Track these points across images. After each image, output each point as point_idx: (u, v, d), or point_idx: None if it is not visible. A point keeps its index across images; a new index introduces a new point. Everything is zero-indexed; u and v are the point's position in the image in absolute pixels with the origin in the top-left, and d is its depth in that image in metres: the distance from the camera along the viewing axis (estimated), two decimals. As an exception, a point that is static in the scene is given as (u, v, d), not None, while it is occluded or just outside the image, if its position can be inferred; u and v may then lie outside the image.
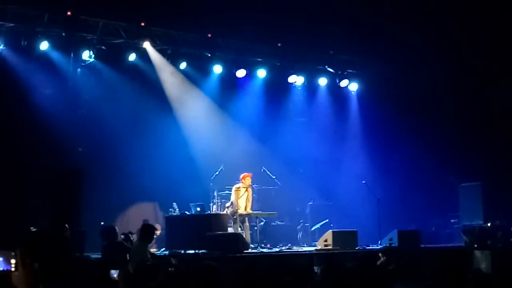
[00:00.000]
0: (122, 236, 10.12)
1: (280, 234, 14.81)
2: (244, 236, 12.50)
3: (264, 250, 13.03)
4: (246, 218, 13.14)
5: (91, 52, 13.95)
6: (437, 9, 15.00)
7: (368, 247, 12.97)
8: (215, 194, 13.79)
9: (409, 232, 13.52)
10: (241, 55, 15.75)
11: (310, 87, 17.15)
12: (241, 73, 15.64)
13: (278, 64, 16.18)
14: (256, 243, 13.16)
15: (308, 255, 12.06)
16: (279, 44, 15.98)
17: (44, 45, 13.31)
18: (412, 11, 14.97)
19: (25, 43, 13.27)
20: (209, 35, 15.06)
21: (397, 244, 12.72)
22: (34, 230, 10.20)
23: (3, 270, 8.16)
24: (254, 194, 13.68)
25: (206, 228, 12.22)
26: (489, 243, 12.49)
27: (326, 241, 12.65)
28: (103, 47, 14.17)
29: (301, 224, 15.34)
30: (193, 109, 15.50)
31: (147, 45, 14.42)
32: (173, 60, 15.00)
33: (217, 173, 13.92)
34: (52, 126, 12.94)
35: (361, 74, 17.29)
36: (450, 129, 16.13)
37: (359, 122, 17.43)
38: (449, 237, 15.25)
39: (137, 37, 14.36)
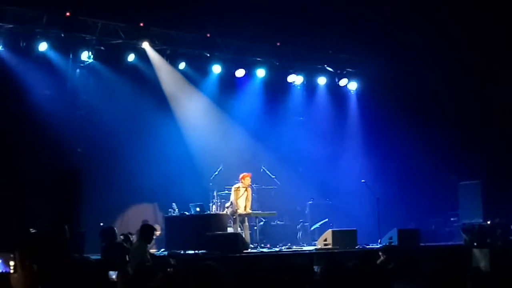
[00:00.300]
0: (122, 237, 10.11)
1: (280, 234, 14.81)
2: (243, 236, 12.50)
3: (264, 249, 13.04)
4: (246, 218, 13.13)
5: (90, 53, 13.95)
6: (436, 9, 15.00)
7: (367, 246, 12.98)
8: (215, 194, 13.79)
9: (408, 230, 13.53)
10: (240, 55, 15.75)
11: (309, 87, 17.15)
12: (240, 72, 15.63)
13: (277, 63, 16.18)
14: (255, 243, 13.16)
15: (308, 254, 12.06)
16: (278, 44, 15.98)
17: (43, 46, 13.31)
18: (412, 11, 14.97)
19: (24, 44, 13.27)
20: (208, 35, 15.06)
21: (396, 242, 12.72)
22: (33, 232, 10.18)
23: (2, 272, 8.16)
24: (253, 194, 13.68)
25: (205, 228, 12.23)
26: (488, 241, 12.50)
27: (325, 240, 12.65)
28: (102, 48, 14.17)
29: (301, 223, 15.33)
30: (192, 109, 15.49)
31: (146, 45, 14.42)
32: (172, 60, 15.00)
33: (216, 173, 13.93)
34: (51, 127, 12.94)
35: (360, 73, 17.29)
36: (450, 127, 16.14)
37: (359, 121, 17.44)
38: (449, 235, 15.27)
39: (136, 38, 14.35)
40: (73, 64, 13.95)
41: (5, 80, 12.94)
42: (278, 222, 15.01)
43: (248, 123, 15.90)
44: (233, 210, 13.00)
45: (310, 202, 15.73)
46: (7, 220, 11.18)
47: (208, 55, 15.26)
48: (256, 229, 13.51)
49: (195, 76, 15.54)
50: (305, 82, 16.94)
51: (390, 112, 16.33)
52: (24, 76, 13.13)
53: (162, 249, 12.75)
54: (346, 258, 10.57)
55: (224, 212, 13.21)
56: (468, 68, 15.57)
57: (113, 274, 6.14)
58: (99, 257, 9.72)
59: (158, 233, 13.16)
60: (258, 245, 13.13)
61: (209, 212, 13.40)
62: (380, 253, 9.04)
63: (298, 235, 15.14)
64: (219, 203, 13.68)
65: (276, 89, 16.58)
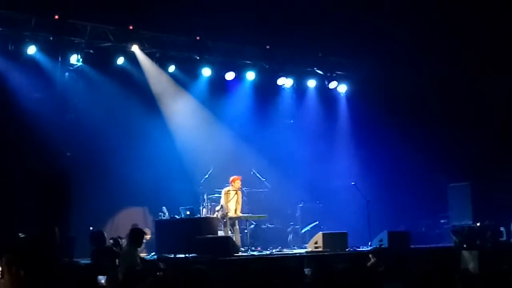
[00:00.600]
0: (111, 241, 10.07)
1: (271, 237, 14.80)
2: (234, 239, 12.49)
3: (255, 253, 13.02)
4: (236, 221, 13.12)
5: (79, 56, 13.88)
6: (425, 11, 15.07)
7: (358, 249, 13.00)
8: (205, 197, 13.78)
9: (399, 233, 13.57)
10: (230, 58, 15.74)
11: (299, 89, 17.17)
12: (230, 75, 15.62)
13: (267, 66, 16.19)
14: (246, 246, 13.15)
15: (299, 257, 12.08)
16: (267, 47, 15.99)
17: (31, 49, 13.22)
18: (401, 13, 15.03)
19: (13, 47, 13.18)
20: (198, 38, 15.04)
21: (387, 245, 12.75)
22: (22, 236, 10.10)
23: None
24: (244, 197, 13.68)
25: (196, 231, 12.20)
26: (478, 243, 12.56)
27: (316, 243, 12.66)
28: (91, 51, 14.10)
29: (291, 226, 15.33)
30: (182, 112, 15.46)
31: (135, 48, 14.38)
32: (162, 63, 14.95)
33: (206, 176, 13.91)
34: (40, 130, 12.85)
35: (350, 76, 17.33)
36: (439, 129, 16.21)
37: (348, 124, 17.48)
38: (439, 237, 15.32)
39: (125, 41, 14.30)
40: (62, 67, 13.87)
41: (-6, 84, 12.85)
42: (268, 225, 15.01)
43: (238, 126, 15.89)
44: (223, 213, 12.98)
45: (300, 205, 15.74)
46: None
47: (198, 58, 15.23)
48: (246, 232, 13.50)
49: (185, 79, 15.51)
50: (295, 85, 16.95)
51: (380, 114, 16.39)
52: (12, 79, 13.04)
53: (153, 253, 12.70)
54: (337, 260, 10.62)
55: (215, 215, 13.18)
56: (457, 69, 15.65)
57: (102, 279, 6.11)
58: (89, 261, 9.68)
59: (148, 237, 13.10)
60: (248, 248, 13.12)
61: (199, 215, 13.39)
62: (370, 256, 9.05)
63: (288, 238, 15.14)
64: (210, 207, 13.67)
65: (266, 92, 16.59)
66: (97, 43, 14.14)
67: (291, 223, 15.44)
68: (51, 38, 13.44)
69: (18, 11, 13.01)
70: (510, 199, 13.94)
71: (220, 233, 12.84)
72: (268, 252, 13.22)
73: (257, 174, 14.60)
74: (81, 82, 14.21)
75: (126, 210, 14.68)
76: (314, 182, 16.32)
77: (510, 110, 15.21)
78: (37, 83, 13.43)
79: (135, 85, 14.72)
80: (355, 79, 17.27)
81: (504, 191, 14.26)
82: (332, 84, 17.08)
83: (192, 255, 11.38)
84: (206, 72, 15.33)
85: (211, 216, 13.24)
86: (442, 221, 15.73)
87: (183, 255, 11.48)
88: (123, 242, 10.43)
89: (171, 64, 14.99)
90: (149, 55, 14.75)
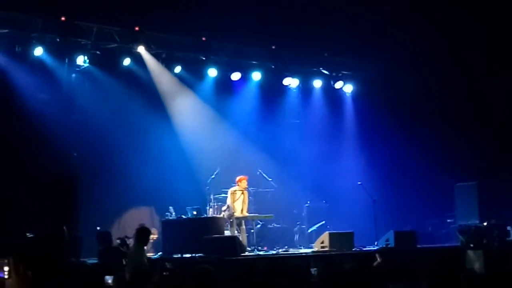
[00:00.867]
0: (118, 241, 10.11)
1: (277, 236, 14.82)
2: (241, 239, 12.51)
3: (261, 252, 13.04)
4: (243, 221, 13.14)
5: (86, 57, 13.93)
6: (432, 11, 15.04)
7: (364, 248, 12.99)
8: (211, 197, 13.80)
9: (405, 232, 13.55)
10: (236, 58, 15.75)
11: (305, 89, 17.17)
12: (236, 76, 15.64)
13: (273, 66, 16.20)
14: (253, 246, 13.17)
15: (305, 257, 12.08)
16: (273, 47, 15.99)
17: (38, 51, 13.29)
18: (407, 13, 15.01)
19: (20, 49, 13.24)
20: (204, 39, 15.06)
21: (393, 244, 12.73)
22: (30, 236, 10.16)
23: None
24: (250, 197, 13.70)
25: (202, 231, 12.23)
26: (485, 243, 12.52)
27: (322, 242, 12.67)
28: (97, 52, 14.15)
29: (298, 226, 15.34)
30: (188, 113, 15.49)
31: (141, 49, 14.42)
32: (168, 64, 14.99)
33: (213, 176, 13.92)
34: (47, 131, 12.92)
35: (356, 76, 17.31)
36: (445, 129, 16.17)
37: (354, 124, 17.46)
38: (446, 237, 15.28)
39: (132, 42, 14.34)
40: (69, 69, 13.93)
41: (1, 85, 12.92)
42: (275, 225, 15.02)
43: (244, 126, 15.91)
44: (230, 213, 13.01)
45: (306, 205, 15.73)
46: (2, 225, 11.15)
47: (204, 58, 15.25)
48: (253, 232, 13.52)
49: (191, 80, 15.54)
50: (300, 85, 16.96)
51: (386, 114, 16.36)
52: (19, 80, 13.11)
53: (160, 253, 12.74)
54: (343, 260, 10.61)
55: (221, 215, 13.21)
56: (464, 69, 15.61)
57: (109, 279, 6.14)
58: (95, 261, 9.72)
59: (155, 236, 13.15)
60: (255, 248, 13.13)
61: (206, 215, 13.41)
62: (377, 255, 9.06)
63: (295, 238, 15.14)
64: (216, 206, 13.69)
65: (272, 92, 16.60)
66: (103, 44, 14.19)
67: (298, 222, 15.44)
68: (57, 40, 13.50)
69: (25, 13, 13.08)
70: (516, 198, 13.91)
71: (227, 233, 12.87)
72: (274, 252, 13.24)
73: (263, 174, 14.61)
74: (88, 83, 14.27)
75: (132, 210, 14.73)
76: (320, 182, 16.32)
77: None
78: (44, 84, 13.50)
79: (141, 86, 14.76)
80: (361, 79, 17.25)
81: (511, 190, 14.21)
82: (338, 84, 17.06)
83: (199, 254, 11.41)
84: (212, 72, 15.36)
85: (218, 216, 13.27)
86: (448, 220, 15.69)
87: (189, 255, 11.51)
88: (130, 242, 10.47)
89: (177, 65, 15.02)
90: (155, 56, 14.79)
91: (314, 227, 14.96)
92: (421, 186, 16.06)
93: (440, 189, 15.94)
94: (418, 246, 13.06)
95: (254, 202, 14.11)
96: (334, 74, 16.97)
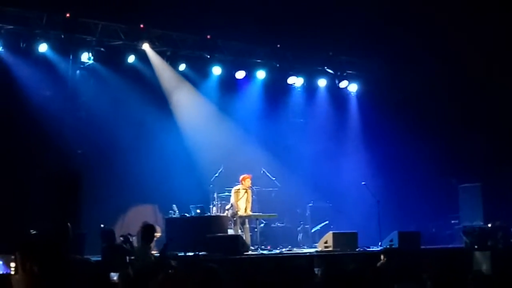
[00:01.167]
0: (121, 238, 10.09)
1: (280, 236, 14.79)
2: (244, 238, 12.49)
3: (265, 251, 13.03)
4: (246, 220, 13.13)
5: (90, 54, 13.94)
6: (437, 10, 14.99)
7: (368, 249, 12.95)
8: (215, 196, 13.78)
9: (409, 233, 13.50)
10: (241, 57, 15.74)
11: (310, 88, 17.14)
12: (240, 74, 15.63)
13: (277, 65, 16.17)
14: (256, 245, 13.15)
15: (309, 256, 12.04)
16: (278, 46, 15.98)
17: (43, 47, 13.29)
18: (412, 12, 14.96)
19: (24, 45, 13.25)
20: (208, 37, 15.05)
21: (397, 245, 12.70)
22: (34, 233, 10.16)
23: (3, 274, 8.15)
24: (254, 196, 13.67)
25: (206, 230, 12.22)
26: (489, 244, 12.48)
27: (326, 242, 12.63)
28: (102, 49, 14.15)
29: (301, 225, 15.32)
30: (192, 111, 15.48)
31: (146, 46, 14.41)
32: (172, 62, 14.99)
33: (216, 174, 13.90)
34: (51, 128, 12.93)
35: (360, 75, 17.28)
36: (450, 129, 16.12)
37: (359, 123, 17.42)
38: (450, 238, 15.23)
39: (136, 39, 14.33)
40: (73, 65, 13.93)
41: (5, 81, 12.92)
42: (278, 224, 15.00)
43: (248, 124, 15.89)
44: (233, 212, 12.99)
45: (310, 204, 15.71)
46: (7, 221, 11.17)
47: (209, 56, 15.24)
48: (256, 231, 13.50)
49: (195, 78, 15.53)
50: (305, 84, 16.93)
51: (391, 114, 16.31)
52: (24, 77, 13.11)
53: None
54: (347, 260, 10.59)
55: (225, 214, 13.20)
56: (468, 70, 15.55)
57: (114, 276, 6.14)
58: (99, 258, 9.71)
59: (158, 235, 13.12)
60: (258, 247, 13.12)
61: (209, 214, 13.39)
62: (381, 256, 9.03)
63: (298, 237, 15.12)
64: (220, 205, 13.67)
65: (276, 91, 16.58)
66: (108, 41, 14.19)
67: (301, 222, 15.42)
68: (62, 36, 13.48)
69: (29, 9, 13.08)
70: (521, 200, 13.87)
71: (230, 231, 12.85)
72: (278, 251, 13.21)
73: (267, 173, 14.59)
74: (92, 80, 14.27)
75: (136, 208, 14.72)
76: (324, 182, 16.28)
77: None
78: (48, 81, 13.51)
79: (145, 83, 14.76)
80: (366, 79, 17.22)
81: (515, 192, 14.19)
82: (343, 84, 17.03)
83: (202, 253, 11.39)
84: (217, 70, 15.35)
85: (221, 214, 13.25)
86: (453, 221, 15.64)
87: (192, 253, 11.49)
88: (133, 239, 10.46)
89: (182, 63, 15.02)
90: (160, 53, 14.79)
91: (318, 227, 14.94)
92: (426, 186, 16.01)
93: (444, 190, 15.90)
94: (422, 247, 13.02)
95: (258, 201, 14.09)
96: (339, 73, 16.93)
